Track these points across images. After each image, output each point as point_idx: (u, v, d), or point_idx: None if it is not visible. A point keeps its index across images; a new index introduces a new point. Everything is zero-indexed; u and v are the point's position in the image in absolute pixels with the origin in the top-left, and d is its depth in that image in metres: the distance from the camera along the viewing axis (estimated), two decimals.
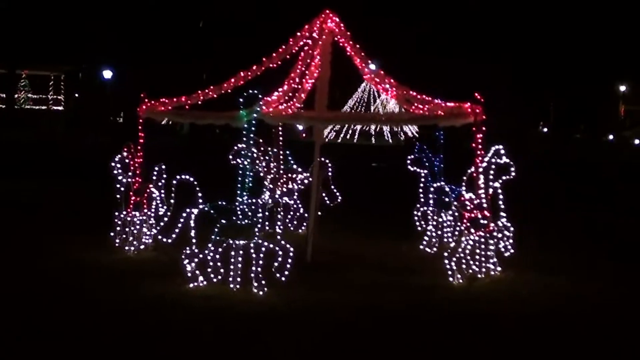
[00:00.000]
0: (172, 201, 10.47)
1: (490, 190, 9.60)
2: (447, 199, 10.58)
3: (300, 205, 12.41)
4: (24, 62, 49.71)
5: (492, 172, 9.57)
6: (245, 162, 8.78)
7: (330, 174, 11.84)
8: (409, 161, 11.37)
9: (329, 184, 11.87)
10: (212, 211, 8.69)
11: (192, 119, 10.56)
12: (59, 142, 33.38)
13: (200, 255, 8.67)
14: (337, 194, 12.01)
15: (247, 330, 7.29)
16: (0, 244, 10.93)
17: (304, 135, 32.26)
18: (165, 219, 10.55)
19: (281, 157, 12.10)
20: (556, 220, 14.90)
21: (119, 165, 10.18)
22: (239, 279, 8.59)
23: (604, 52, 48.45)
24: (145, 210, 10.55)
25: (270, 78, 10.60)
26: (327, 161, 11.52)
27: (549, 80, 47.45)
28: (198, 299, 8.21)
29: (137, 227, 10.47)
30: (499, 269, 9.65)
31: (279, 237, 9.10)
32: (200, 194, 9.46)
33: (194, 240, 8.71)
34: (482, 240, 9.45)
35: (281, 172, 12.13)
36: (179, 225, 9.37)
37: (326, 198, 11.82)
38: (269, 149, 11.88)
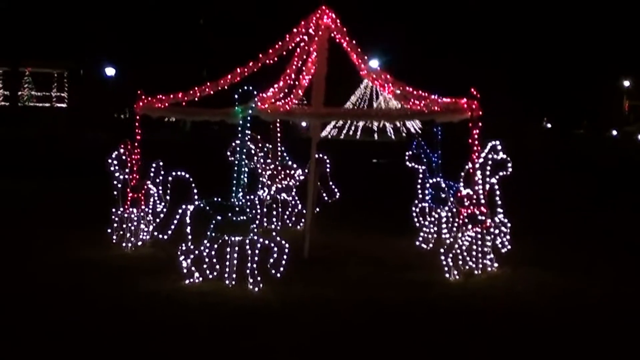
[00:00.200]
0: (167, 197, 10.48)
1: (487, 186, 9.57)
2: (443, 195, 10.56)
3: (298, 202, 12.41)
4: (27, 60, 49.82)
5: (488, 168, 9.55)
6: (240, 158, 8.77)
7: (328, 170, 11.82)
8: (407, 157, 11.35)
9: (327, 180, 11.85)
10: (207, 207, 8.69)
11: (188, 116, 10.56)
12: (61, 139, 33.41)
13: (196, 252, 8.68)
14: (336, 190, 12.00)
15: (242, 326, 7.30)
16: None
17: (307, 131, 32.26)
18: (162, 215, 10.56)
19: (278, 153, 12.09)
20: (554, 216, 14.85)
21: (115, 162, 10.20)
22: (234, 275, 8.60)
23: (608, 48, 48.30)
24: (143, 207, 10.56)
25: (267, 74, 10.59)
26: (326, 157, 11.51)
27: (552, 75, 47.30)
28: (193, 295, 8.22)
29: (135, 223, 10.49)
30: (495, 265, 9.64)
31: (274, 233, 9.09)
32: (195, 190, 9.45)
33: (189, 237, 8.72)
34: (479, 236, 9.43)
35: (279, 168, 12.13)
36: (175, 221, 9.37)
37: (324, 194, 11.81)
38: (266, 144, 11.87)
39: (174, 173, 10.04)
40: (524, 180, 17.91)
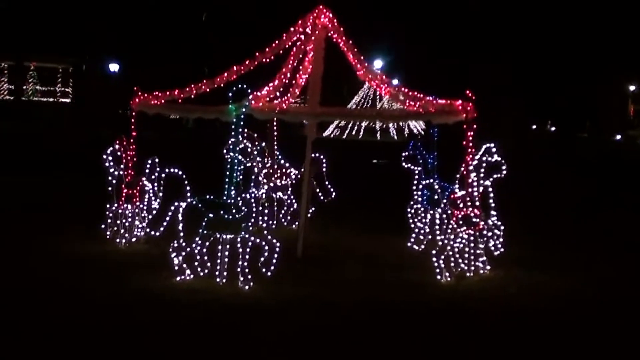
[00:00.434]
0: (160, 194, 10.50)
1: (481, 188, 9.55)
2: (436, 196, 10.55)
3: (294, 201, 12.41)
4: (32, 54, 49.95)
5: (482, 170, 9.53)
6: (233, 157, 8.78)
7: (324, 169, 11.81)
8: (402, 158, 11.34)
9: (323, 180, 11.84)
10: (199, 205, 8.70)
11: (182, 113, 10.58)
12: (64, 134, 33.48)
13: (188, 249, 8.70)
14: (332, 189, 11.98)
15: (231, 324, 7.30)
16: None
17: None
18: (154, 212, 10.58)
19: (274, 152, 12.09)
20: (549, 219, 14.81)
21: (110, 158, 10.22)
22: (225, 273, 8.61)
23: (613, 51, 48.17)
24: (138, 203, 10.58)
25: (266, 73, 10.61)
26: (322, 157, 11.51)
27: (556, 78, 47.21)
28: (184, 293, 8.23)
29: (129, 219, 10.51)
30: (488, 267, 9.62)
31: (265, 231, 9.10)
32: (188, 188, 9.46)
33: (181, 234, 8.73)
34: (472, 238, 9.42)
35: (276, 167, 12.12)
36: (167, 218, 9.39)
37: (320, 194, 11.80)
38: (260, 143, 11.84)
39: (167, 170, 10.06)
40: (522, 182, 17.95)
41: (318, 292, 8.52)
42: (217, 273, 8.64)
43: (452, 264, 9.30)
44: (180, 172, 9.77)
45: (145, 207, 10.64)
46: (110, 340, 6.72)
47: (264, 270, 8.66)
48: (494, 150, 9.54)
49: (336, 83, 27.07)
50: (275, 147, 12.14)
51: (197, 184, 9.66)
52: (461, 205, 9.41)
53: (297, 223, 11.89)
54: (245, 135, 11.14)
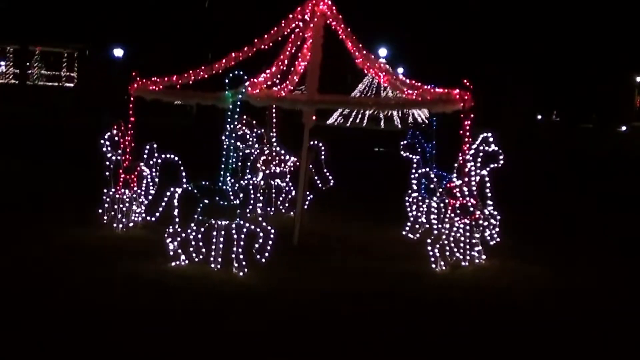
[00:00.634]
0: (156, 180, 10.51)
1: (478, 178, 9.53)
2: (432, 186, 10.54)
3: (292, 188, 12.40)
4: (37, 39, 49.88)
5: (479, 159, 9.50)
6: (229, 143, 8.77)
7: (323, 157, 11.79)
8: (401, 146, 11.32)
9: (321, 168, 11.83)
10: (195, 191, 8.71)
11: (180, 99, 10.58)
12: (68, 119, 33.51)
13: (183, 235, 8.72)
14: (330, 177, 11.97)
15: (224, 310, 7.33)
16: None
17: (314, 118, 32.09)
18: (149, 197, 10.59)
19: (273, 139, 12.08)
20: (548, 210, 14.78)
21: (108, 143, 10.23)
22: (220, 259, 8.63)
23: (620, 43, 47.85)
24: (135, 188, 10.60)
25: (266, 59, 10.57)
26: (321, 144, 11.49)
27: (562, 69, 46.95)
28: (176, 278, 8.26)
29: (127, 205, 10.53)
30: (483, 257, 9.62)
31: (260, 218, 9.11)
32: (184, 173, 9.46)
33: (177, 220, 8.75)
34: (467, 227, 9.41)
35: (274, 153, 12.12)
36: (163, 204, 9.40)
37: (318, 181, 11.79)
38: (259, 129, 11.84)
39: (163, 156, 10.06)
40: (522, 172, 17.91)
41: (311, 280, 8.55)
42: (211, 259, 8.66)
43: (448, 253, 9.30)
44: (176, 158, 9.76)
45: (142, 193, 10.66)
46: (102, 325, 6.74)
47: (258, 256, 8.68)
48: (491, 139, 9.51)
49: (340, 71, 26.92)
50: (274, 134, 12.12)
51: (195, 170, 9.68)
52: (457, 194, 9.40)
53: (294, 210, 11.91)
54: (243, 121, 11.21)
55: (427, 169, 10.90)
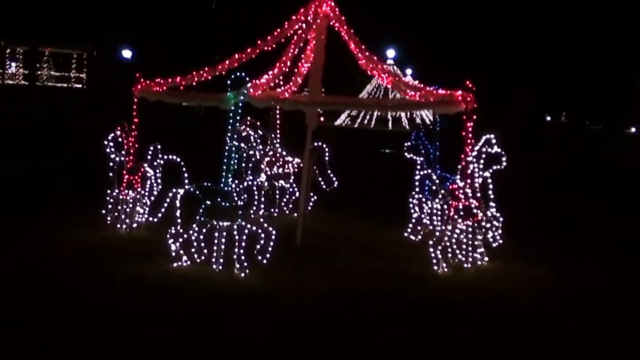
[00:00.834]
0: (159, 181, 10.54)
1: (480, 180, 9.51)
2: (434, 187, 10.52)
3: (296, 189, 12.40)
4: (46, 40, 50.11)
5: (482, 161, 9.48)
6: (231, 144, 8.79)
7: (327, 158, 11.79)
8: (405, 148, 11.31)
9: (325, 169, 11.83)
10: (197, 192, 8.72)
11: (182, 100, 10.61)
12: (76, 119, 33.64)
13: (185, 236, 8.73)
14: (334, 178, 11.96)
15: (225, 311, 7.32)
16: None
17: (322, 119, 32.11)
18: (152, 198, 10.62)
19: (276, 140, 12.09)
20: (551, 212, 14.73)
21: (112, 144, 10.27)
22: (221, 260, 8.64)
23: (629, 43, 47.64)
24: (139, 189, 10.62)
25: (269, 61, 10.58)
26: (325, 145, 11.49)
27: (571, 70, 46.78)
28: (178, 279, 8.25)
29: (130, 205, 10.56)
30: (486, 259, 9.59)
31: (262, 219, 9.12)
32: (186, 175, 9.48)
33: (179, 221, 8.77)
34: (469, 229, 9.39)
35: (278, 155, 12.13)
36: (165, 205, 9.42)
37: (322, 182, 11.79)
38: (262, 131, 11.85)
39: (165, 157, 10.08)
40: (525, 173, 17.85)
41: (313, 282, 8.54)
42: (213, 260, 8.67)
43: (450, 255, 9.28)
44: (178, 159, 9.78)
45: (146, 194, 10.69)
46: (102, 326, 6.74)
47: (260, 258, 8.68)
48: (493, 141, 9.49)
49: (348, 73, 26.96)
50: (278, 135, 12.13)
51: (199, 172, 9.68)
52: (460, 196, 9.38)
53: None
54: (246, 122, 11.22)
55: (430, 171, 10.88)
